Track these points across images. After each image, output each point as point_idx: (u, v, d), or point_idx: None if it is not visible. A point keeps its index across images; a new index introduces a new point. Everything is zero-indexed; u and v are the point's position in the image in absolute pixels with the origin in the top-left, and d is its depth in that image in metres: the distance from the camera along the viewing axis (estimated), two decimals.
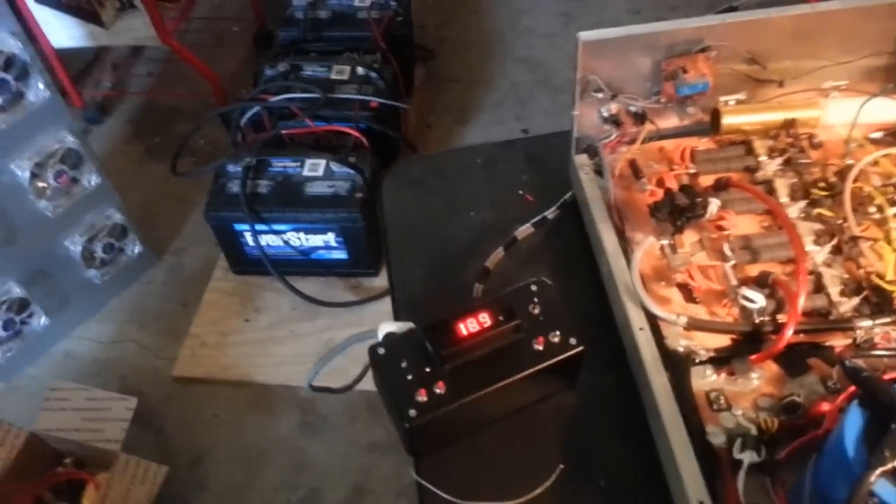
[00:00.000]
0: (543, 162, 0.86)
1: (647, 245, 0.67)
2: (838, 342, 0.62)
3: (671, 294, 0.66)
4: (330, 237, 1.64)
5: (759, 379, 0.60)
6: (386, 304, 1.69)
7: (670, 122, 0.75)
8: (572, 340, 0.62)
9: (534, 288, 0.65)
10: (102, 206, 1.68)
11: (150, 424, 1.61)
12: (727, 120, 0.73)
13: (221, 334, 1.72)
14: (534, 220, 0.79)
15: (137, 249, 1.82)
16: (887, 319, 0.61)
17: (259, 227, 1.63)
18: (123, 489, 1.38)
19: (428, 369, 0.60)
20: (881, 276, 0.63)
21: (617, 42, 0.68)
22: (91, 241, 1.68)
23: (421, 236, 0.81)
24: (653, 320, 0.64)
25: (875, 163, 0.70)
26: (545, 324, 0.63)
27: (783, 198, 0.70)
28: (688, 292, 0.65)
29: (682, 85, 0.71)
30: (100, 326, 1.80)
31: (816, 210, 0.68)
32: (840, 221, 0.67)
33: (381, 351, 0.62)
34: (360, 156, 1.62)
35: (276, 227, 1.63)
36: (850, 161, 0.72)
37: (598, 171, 0.76)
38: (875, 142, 0.74)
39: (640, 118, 0.74)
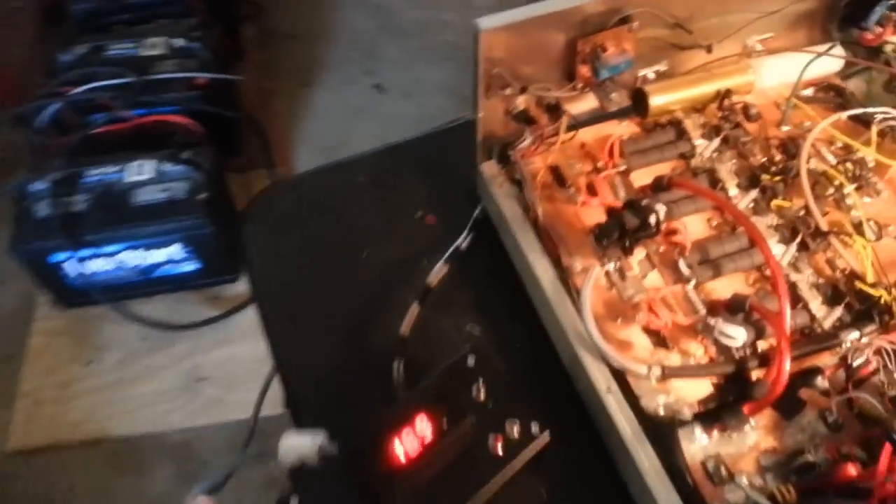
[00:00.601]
0: (440, 168, 0.70)
1: (595, 277, 0.54)
2: (825, 361, 0.52)
3: (630, 335, 0.53)
4: (174, 250, 1.40)
5: (755, 430, 0.49)
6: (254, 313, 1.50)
7: (587, 109, 0.62)
8: (534, 427, 0.48)
9: (470, 361, 0.50)
10: None
11: None
12: (656, 101, 0.60)
13: (60, 386, 1.45)
14: (446, 256, 0.63)
15: None
16: (875, 327, 0.52)
17: (83, 252, 1.36)
18: None
19: None
20: (860, 278, 0.54)
21: (524, 26, 0.53)
22: None
23: (306, 297, 0.64)
24: (617, 373, 0.51)
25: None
26: (497, 412, 0.48)
27: (731, 189, 0.59)
28: (650, 330, 0.53)
29: (602, 67, 0.57)
30: None
31: (774, 202, 0.57)
32: (800, 212, 0.57)
33: (294, 501, 0.45)
34: (195, 148, 1.38)
35: (106, 249, 1.37)
36: (786, 128, 0.62)
37: (513, 180, 0.62)
38: (808, 101, 0.65)
39: (553, 110, 0.60)
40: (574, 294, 0.55)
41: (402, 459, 0.46)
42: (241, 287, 1.50)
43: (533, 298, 0.59)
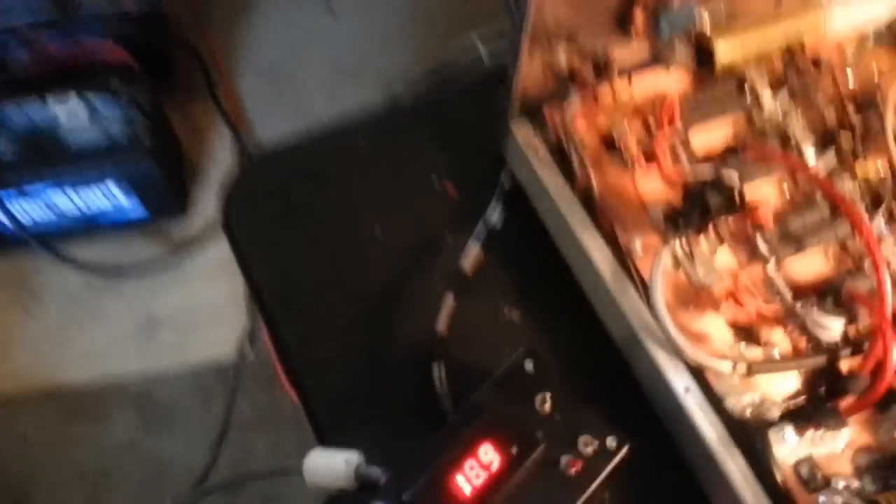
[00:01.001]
0: (450, 128, 0.61)
1: (665, 261, 0.47)
2: None
3: (704, 325, 0.48)
4: (116, 194, 1.26)
5: (848, 426, 0.46)
6: (208, 252, 1.39)
7: (637, 60, 0.54)
8: (611, 441, 0.43)
9: (529, 367, 0.44)
10: None
11: None
12: (723, 50, 0.52)
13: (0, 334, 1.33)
14: (476, 234, 0.55)
15: None
16: None
17: (13, 200, 1.21)
18: None
19: None
20: None
21: None
22: None
23: (316, 290, 0.55)
24: (694, 371, 0.46)
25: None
26: (568, 427, 0.43)
27: (806, 150, 0.52)
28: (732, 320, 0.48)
29: (668, 21, 0.48)
30: None
31: (857, 167, 0.51)
32: (884, 175, 0.51)
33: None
34: (128, 80, 1.21)
35: (39, 197, 1.22)
36: (850, 73, 0.56)
37: (550, 146, 0.53)
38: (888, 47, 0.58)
39: (600, 64, 0.51)
40: (636, 279, 0.49)
41: (467, 493, 0.40)
42: (192, 221, 1.38)
43: (583, 283, 0.53)
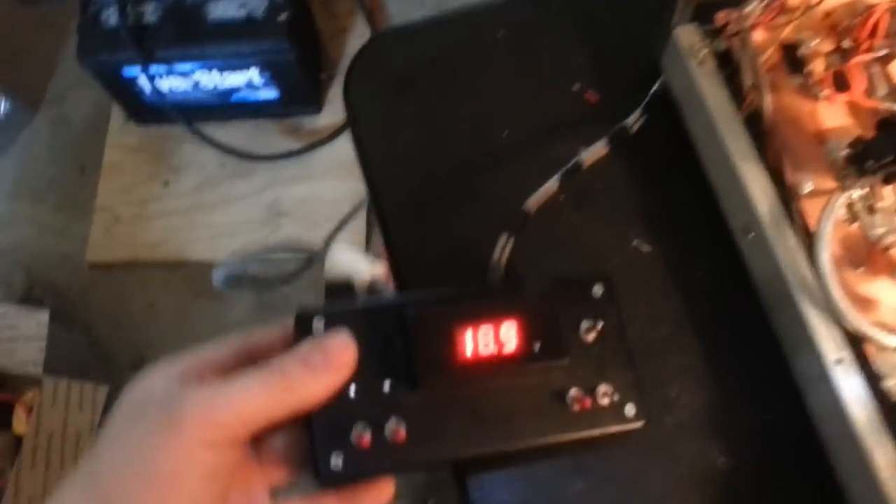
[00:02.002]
0: (600, 27, 0.54)
1: (838, 210, 0.40)
2: None
3: (873, 290, 0.40)
4: (252, 74, 1.27)
5: None
6: (337, 150, 1.39)
7: None
8: (630, 408, 0.37)
9: (597, 291, 0.39)
10: None
11: (75, 322, 1.35)
12: None
13: (137, 204, 1.40)
14: (611, 132, 0.49)
15: (3, 105, 1.41)
16: None
17: (155, 69, 1.24)
18: (58, 418, 1.16)
19: (386, 390, 0.35)
20: None
21: None
22: None
23: (427, 182, 0.51)
24: (852, 340, 0.39)
25: None
26: (598, 366, 0.37)
27: None
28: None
29: None
30: None
31: None
32: None
33: (318, 324, 0.35)
34: None
35: (179, 67, 1.25)
36: None
37: (718, 56, 0.46)
38: None
39: None
40: (799, 225, 0.42)
41: (467, 353, 0.36)
42: (324, 120, 1.38)
43: (732, 221, 0.46)
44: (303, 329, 0.35)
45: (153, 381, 0.33)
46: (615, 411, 0.36)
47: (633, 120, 0.49)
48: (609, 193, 0.49)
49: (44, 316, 1.21)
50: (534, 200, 0.47)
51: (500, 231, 0.45)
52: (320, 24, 1.41)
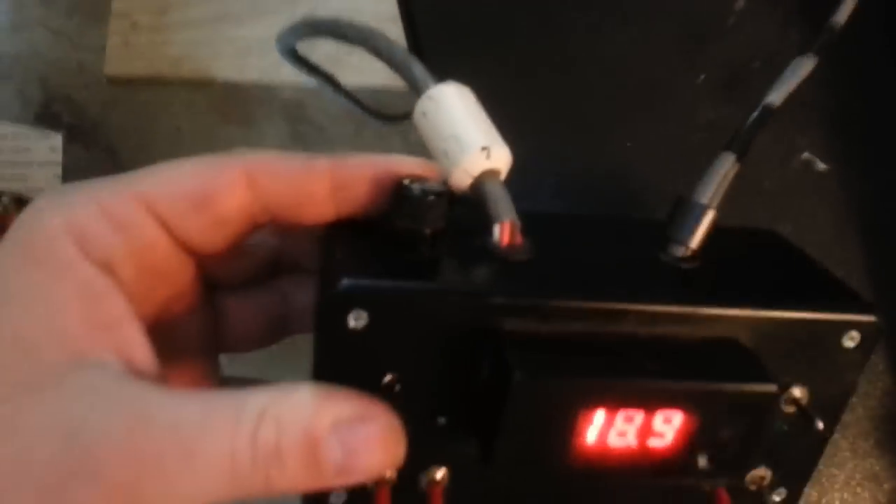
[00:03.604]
0: None
1: None
2: None
3: None
4: None
5: None
6: None
7: None
8: (777, 495, 0.26)
9: (848, 341, 0.26)
10: None
11: (95, 141, 1.25)
12: None
13: (158, 12, 1.23)
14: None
15: None
16: None
17: None
18: None
19: (442, 424, 0.25)
20: None
21: None
22: None
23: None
24: None
25: None
26: (772, 446, 0.26)
27: None
28: None
29: None
30: None
31: None
32: None
33: (356, 322, 0.24)
34: None
35: None
36: None
37: None
38: None
39: None
40: None
41: (587, 441, 0.25)
42: None
43: None
44: (328, 324, 0.24)
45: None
46: (757, 498, 0.26)
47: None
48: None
49: (57, 140, 1.11)
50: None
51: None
52: None
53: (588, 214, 0.33)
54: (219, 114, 1.24)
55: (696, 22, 0.33)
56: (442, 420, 0.24)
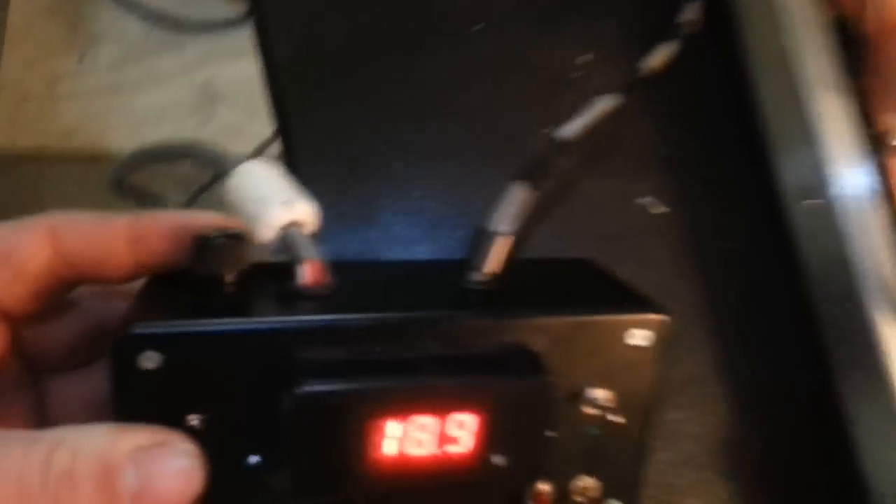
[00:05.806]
0: None
1: None
2: None
3: None
4: None
5: None
6: None
7: None
8: None
9: (636, 338, 0.25)
10: None
11: None
12: None
13: (49, 81, 1.20)
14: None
15: None
16: None
17: None
18: None
19: (252, 463, 0.23)
20: None
21: None
22: None
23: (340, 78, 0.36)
24: None
25: None
26: (588, 454, 0.25)
27: None
28: None
29: None
30: None
31: None
32: None
33: (149, 363, 0.21)
34: None
35: None
36: None
37: None
38: None
39: None
40: (888, 191, 0.28)
41: (383, 452, 0.23)
42: None
43: (784, 174, 0.32)
44: (122, 367, 0.21)
45: None
46: None
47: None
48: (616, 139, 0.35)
49: None
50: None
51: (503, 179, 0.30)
52: None
53: (420, 259, 0.32)
54: (113, 189, 1.19)
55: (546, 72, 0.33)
56: (255, 458, 0.22)
